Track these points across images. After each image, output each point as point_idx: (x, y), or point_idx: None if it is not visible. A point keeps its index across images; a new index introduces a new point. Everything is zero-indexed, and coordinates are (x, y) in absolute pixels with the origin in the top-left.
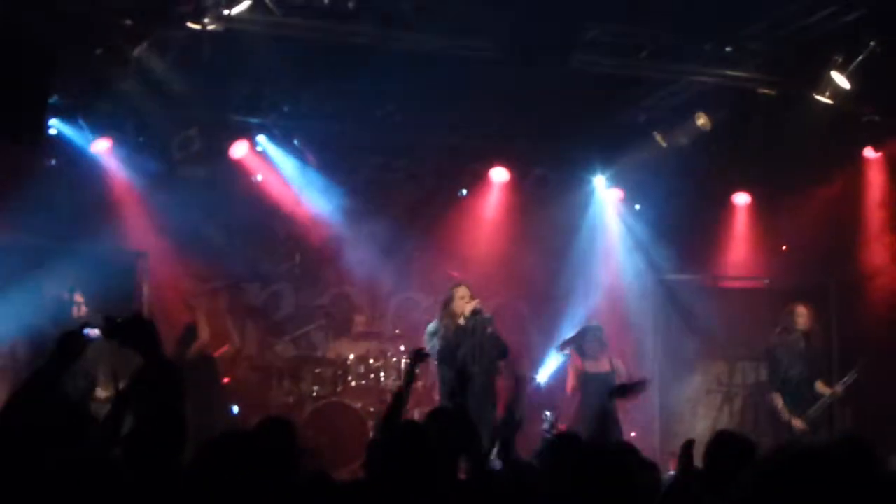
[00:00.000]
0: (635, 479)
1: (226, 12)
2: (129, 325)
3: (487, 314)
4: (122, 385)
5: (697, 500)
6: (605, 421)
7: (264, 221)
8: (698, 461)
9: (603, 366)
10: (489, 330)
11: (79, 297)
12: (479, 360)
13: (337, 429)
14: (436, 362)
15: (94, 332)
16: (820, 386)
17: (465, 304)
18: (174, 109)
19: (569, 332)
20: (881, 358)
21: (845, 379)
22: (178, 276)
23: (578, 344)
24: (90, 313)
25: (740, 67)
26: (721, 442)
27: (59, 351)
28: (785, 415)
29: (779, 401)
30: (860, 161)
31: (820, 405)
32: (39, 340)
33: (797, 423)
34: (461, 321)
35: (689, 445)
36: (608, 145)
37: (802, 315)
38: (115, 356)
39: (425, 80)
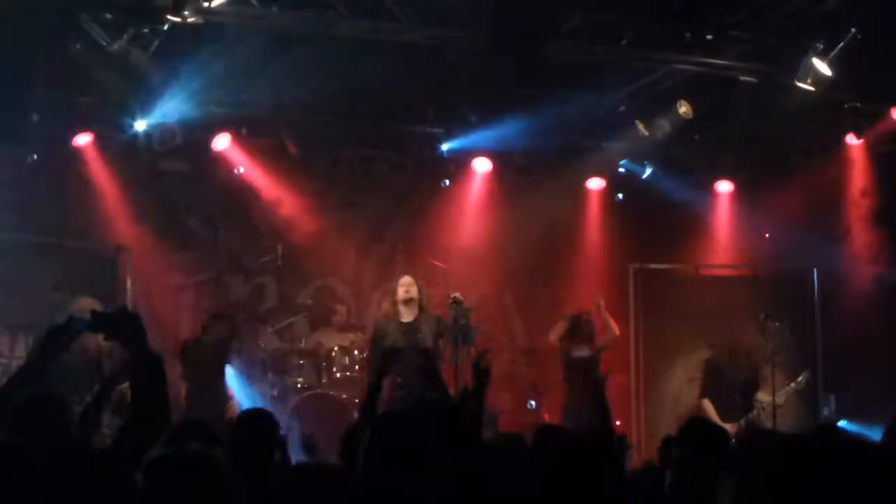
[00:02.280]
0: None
1: (205, 4)
2: (116, 319)
3: (468, 305)
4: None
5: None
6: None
7: (246, 214)
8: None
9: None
10: (463, 322)
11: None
12: (458, 349)
13: (322, 420)
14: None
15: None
16: (762, 394)
17: (403, 293)
18: (155, 103)
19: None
20: (863, 346)
21: (787, 388)
22: (161, 270)
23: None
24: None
25: (722, 55)
26: (693, 429)
27: (45, 344)
28: (716, 420)
29: (709, 407)
30: (843, 148)
31: (757, 410)
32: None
33: (729, 428)
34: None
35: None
36: (590, 134)
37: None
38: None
39: (406, 69)
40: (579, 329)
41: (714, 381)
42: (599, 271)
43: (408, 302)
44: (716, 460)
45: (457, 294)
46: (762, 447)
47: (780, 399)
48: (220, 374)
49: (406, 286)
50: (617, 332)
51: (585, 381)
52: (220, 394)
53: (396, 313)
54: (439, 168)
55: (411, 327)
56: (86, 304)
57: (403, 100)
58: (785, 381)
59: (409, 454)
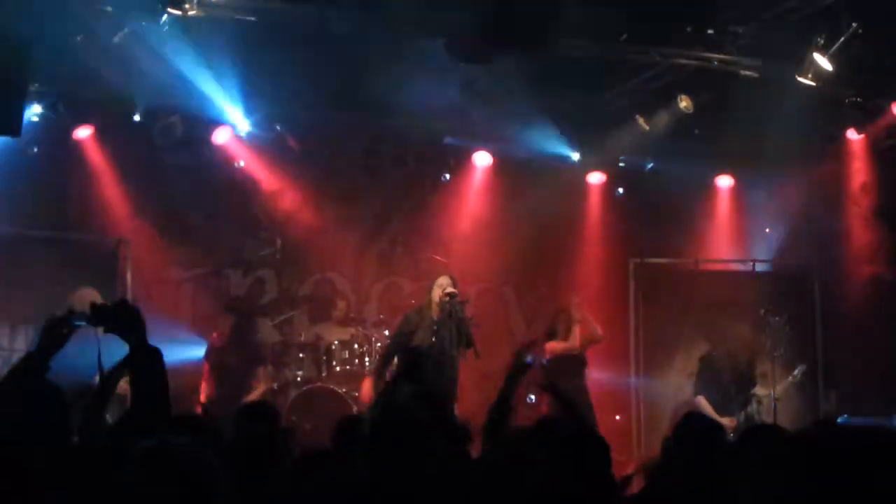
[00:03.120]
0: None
1: None
2: (116, 312)
3: (462, 300)
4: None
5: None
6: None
7: (246, 207)
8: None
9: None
10: (460, 315)
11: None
12: (455, 345)
13: (321, 413)
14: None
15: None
16: (759, 388)
17: (440, 294)
18: (156, 96)
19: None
20: (863, 341)
21: (784, 381)
22: (161, 264)
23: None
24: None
25: (722, 50)
26: (688, 424)
27: (45, 337)
28: (713, 415)
29: (705, 403)
30: (843, 143)
31: (755, 404)
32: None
33: (727, 422)
34: (434, 310)
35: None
36: (591, 129)
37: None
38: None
39: (407, 64)
40: (565, 324)
41: (709, 377)
42: (599, 265)
43: (444, 303)
44: (712, 456)
45: (452, 289)
46: (771, 448)
47: (777, 392)
48: None
49: (443, 287)
50: (600, 332)
51: (567, 375)
52: None
53: (431, 309)
54: (439, 162)
55: (443, 326)
56: (86, 294)
57: (403, 93)
58: (782, 374)
59: (409, 449)
